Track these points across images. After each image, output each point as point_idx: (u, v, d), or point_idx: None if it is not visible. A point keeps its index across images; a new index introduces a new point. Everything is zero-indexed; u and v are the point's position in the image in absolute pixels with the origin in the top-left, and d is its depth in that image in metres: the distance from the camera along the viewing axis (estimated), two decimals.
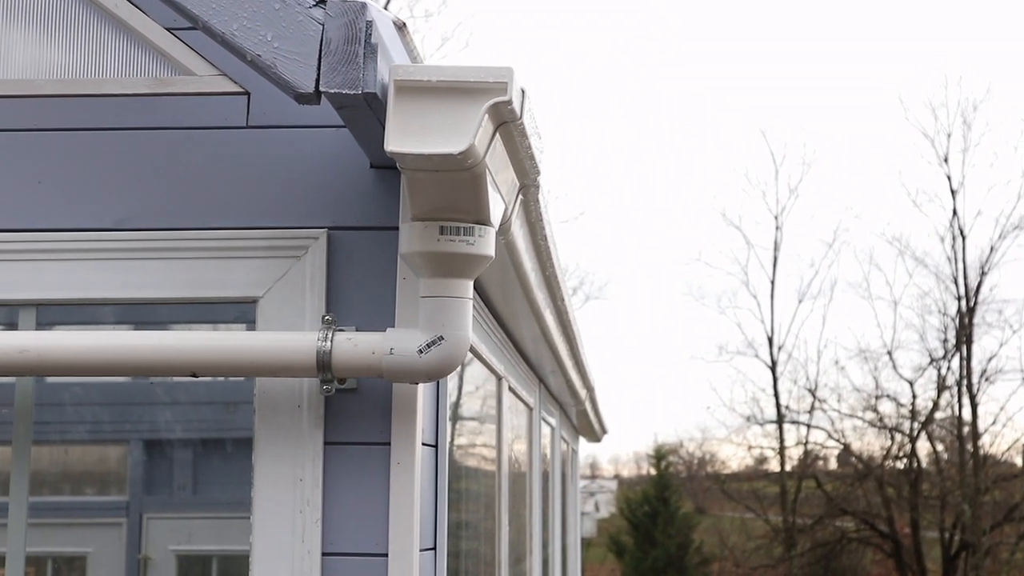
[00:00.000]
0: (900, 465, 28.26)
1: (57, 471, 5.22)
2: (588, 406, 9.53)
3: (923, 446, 28.37)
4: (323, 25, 2.55)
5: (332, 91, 2.54)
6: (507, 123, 2.59)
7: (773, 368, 29.98)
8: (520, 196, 3.11)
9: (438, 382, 3.28)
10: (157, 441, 5.31)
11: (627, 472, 57.33)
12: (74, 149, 3.11)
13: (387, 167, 3.01)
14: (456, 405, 4.10)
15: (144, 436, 5.38)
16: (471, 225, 2.69)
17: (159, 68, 3.14)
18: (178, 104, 3.11)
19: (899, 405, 28.42)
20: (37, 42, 3.17)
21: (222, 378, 5.04)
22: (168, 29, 3.11)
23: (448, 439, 3.44)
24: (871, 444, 29.13)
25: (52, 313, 3.10)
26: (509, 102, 2.50)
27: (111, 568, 5.41)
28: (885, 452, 28.32)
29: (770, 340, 30.32)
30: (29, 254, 3.05)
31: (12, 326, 3.10)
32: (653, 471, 33.62)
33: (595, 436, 13.57)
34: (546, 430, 7.62)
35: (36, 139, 3.13)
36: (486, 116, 2.48)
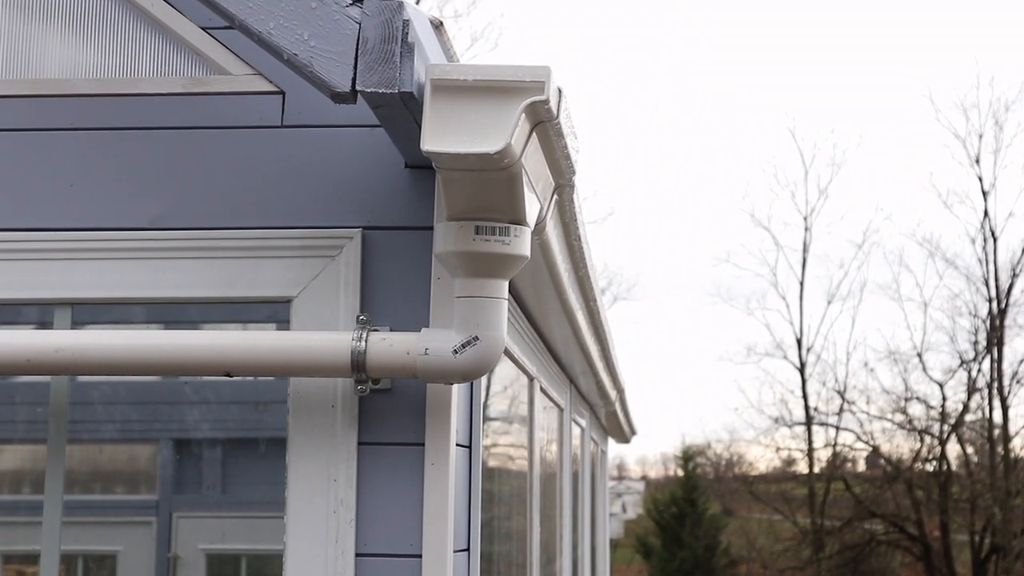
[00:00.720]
0: (930, 468, 28.09)
1: (88, 470, 5.24)
2: (618, 407, 9.51)
3: (953, 449, 28.22)
4: (360, 24, 2.54)
5: (368, 90, 2.53)
6: (544, 122, 2.57)
7: (802, 370, 29.86)
8: (555, 196, 3.10)
9: (472, 382, 3.27)
10: (187, 441, 5.32)
11: (654, 473, 57.23)
12: (109, 148, 3.12)
13: (422, 167, 3.00)
14: (484, 405, 4.09)
15: (174, 436, 5.39)
16: (507, 225, 2.68)
17: (194, 67, 3.14)
18: (213, 103, 3.11)
19: (929, 407, 28.29)
20: (73, 42, 3.17)
21: (253, 378, 5.05)
22: (203, 28, 3.11)
23: (481, 440, 3.43)
24: (900, 446, 29.00)
25: (86, 312, 3.10)
26: (546, 101, 2.48)
27: (141, 566, 5.43)
28: (915, 454, 28.17)
29: (799, 341, 30.20)
30: (63, 253, 3.06)
31: (47, 325, 3.10)
32: (680, 472, 33.51)
33: (624, 437, 13.54)
34: (576, 431, 7.61)
35: (71, 138, 3.13)
36: (523, 115, 2.46)
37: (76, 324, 3.07)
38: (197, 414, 5.26)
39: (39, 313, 3.15)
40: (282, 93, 3.09)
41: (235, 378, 4.82)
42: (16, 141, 3.14)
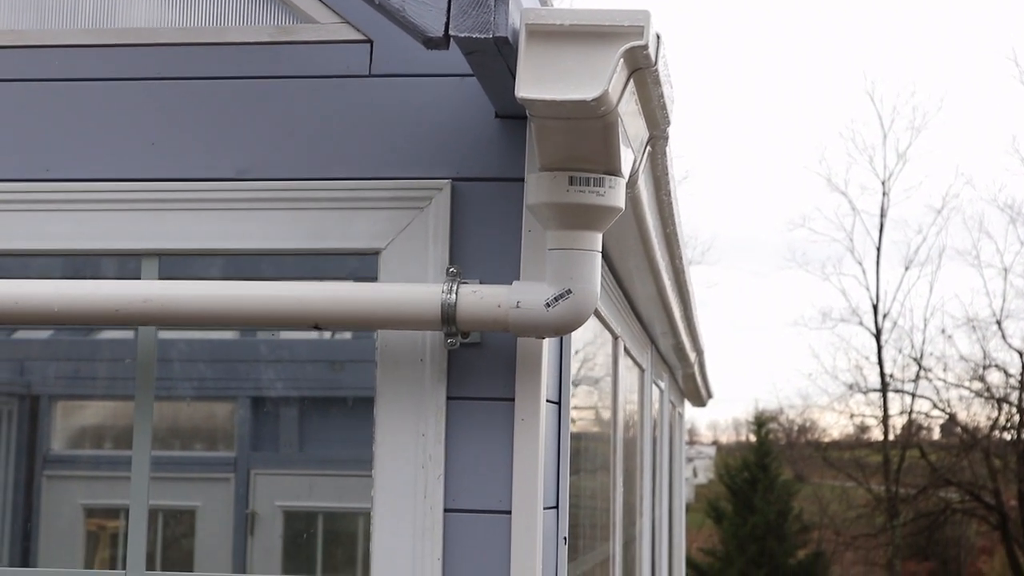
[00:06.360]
0: (1008, 436, 27.70)
1: (168, 426, 5.27)
2: (696, 369, 9.42)
3: None
4: None
5: (462, 35, 2.46)
6: (641, 69, 2.50)
7: (878, 336, 29.51)
8: (648, 148, 3.02)
9: (561, 338, 3.21)
10: (264, 399, 5.33)
11: (725, 438, 57.02)
12: (195, 98, 3.08)
13: (513, 116, 2.93)
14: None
15: (252, 393, 5.40)
16: (601, 176, 2.61)
17: (281, 16, 3.09)
18: (300, 53, 3.06)
19: (1007, 375, 27.83)
20: None
21: (331, 336, 5.04)
22: None
23: (571, 396, 3.37)
24: (978, 415, 28.60)
25: (173, 263, 3.08)
26: (645, 47, 2.40)
27: (219, 522, 5.45)
28: (992, 423, 27.78)
29: (875, 307, 29.84)
30: (151, 204, 3.03)
31: (135, 275, 3.08)
32: (752, 438, 33.32)
33: (700, 400, 13.45)
34: (656, 392, 7.54)
35: (158, 88, 3.10)
36: (621, 61, 2.39)
37: (164, 275, 3.05)
38: (278, 372, 5.27)
39: (124, 265, 3.12)
40: (370, 42, 3.03)
41: (320, 334, 4.81)
42: (103, 91, 3.12)
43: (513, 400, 2.85)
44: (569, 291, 2.66)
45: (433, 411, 2.86)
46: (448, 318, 2.72)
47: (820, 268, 38.22)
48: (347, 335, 5.09)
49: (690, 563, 24.38)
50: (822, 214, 42.98)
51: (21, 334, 5.24)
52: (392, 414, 2.88)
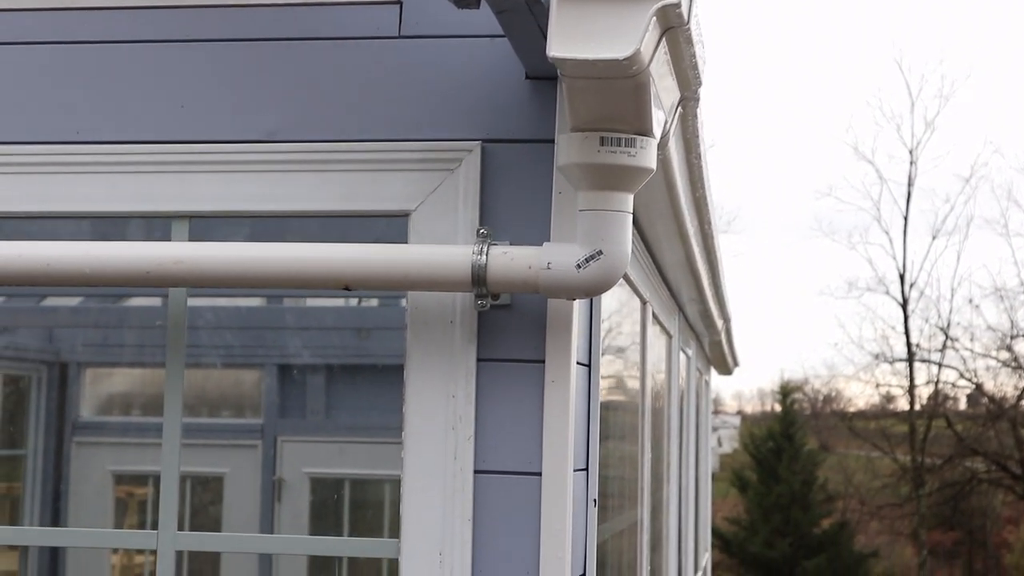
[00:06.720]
0: None
1: (196, 394, 5.28)
2: (723, 337, 9.40)
3: None
4: None
5: None
6: (674, 28, 2.47)
7: (904, 305, 29.41)
8: (679, 109, 3.00)
9: (591, 300, 3.20)
10: (293, 366, 5.34)
11: (750, 408, 56.98)
12: (224, 60, 3.08)
13: (543, 77, 2.92)
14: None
15: (279, 361, 5.42)
16: (632, 136, 2.59)
17: None
18: (330, 14, 3.05)
19: None
20: None
21: (358, 303, 5.04)
22: None
23: (600, 359, 3.36)
24: (1004, 384, 28.51)
25: (204, 225, 3.08)
26: (677, 5, 2.38)
27: (247, 488, 5.48)
28: (1019, 392, 27.69)
29: (902, 277, 29.74)
30: (181, 166, 3.03)
31: (166, 238, 3.08)
32: (778, 407, 33.30)
33: (727, 368, 13.43)
34: (683, 359, 7.52)
35: (186, 50, 3.09)
36: (653, 20, 2.36)
37: (194, 237, 3.05)
38: (311, 340, 5.28)
39: (155, 227, 3.12)
40: (399, 3, 3.02)
41: (346, 301, 4.80)
42: (132, 53, 3.11)
43: (543, 362, 2.84)
44: (600, 252, 2.65)
45: (463, 373, 2.86)
46: (478, 279, 2.72)
47: (847, 237, 38.31)
48: (374, 302, 5.10)
49: (715, 532, 24.39)
50: (849, 183, 42.90)
51: (50, 301, 5.27)
52: (422, 376, 2.87)
